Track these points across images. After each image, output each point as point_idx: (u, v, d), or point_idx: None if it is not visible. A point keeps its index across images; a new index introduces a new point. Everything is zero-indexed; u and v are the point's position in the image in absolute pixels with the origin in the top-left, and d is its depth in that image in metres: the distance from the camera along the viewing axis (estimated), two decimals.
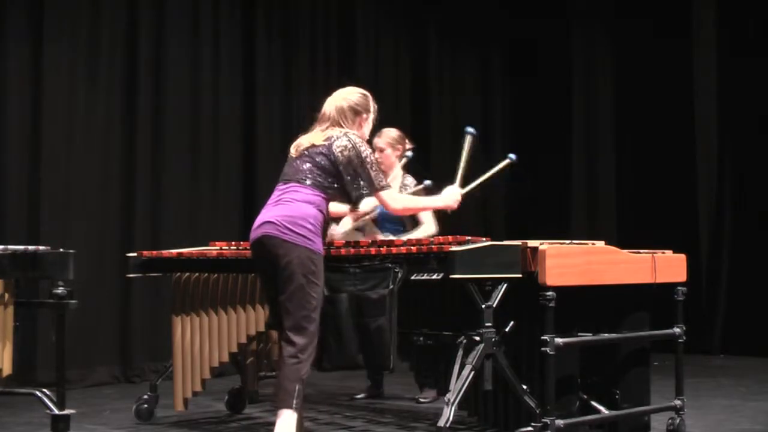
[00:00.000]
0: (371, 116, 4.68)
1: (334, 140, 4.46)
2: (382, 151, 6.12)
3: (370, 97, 4.69)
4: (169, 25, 7.80)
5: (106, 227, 7.41)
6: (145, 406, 5.63)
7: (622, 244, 5.18)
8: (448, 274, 4.34)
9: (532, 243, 4.59)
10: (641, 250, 5.06)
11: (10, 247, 4.92)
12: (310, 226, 4.35)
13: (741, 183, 8.94)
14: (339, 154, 4.43)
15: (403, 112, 9.01)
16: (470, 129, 5.10)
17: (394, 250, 4.52)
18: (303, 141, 4.55)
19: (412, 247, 4.52)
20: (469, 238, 4.56)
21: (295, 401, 4.28)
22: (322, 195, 4.44)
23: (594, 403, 4.96)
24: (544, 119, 9.85)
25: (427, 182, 5.70)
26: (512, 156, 5.33)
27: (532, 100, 9.93)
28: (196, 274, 5.40)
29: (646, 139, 9.39)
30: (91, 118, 7.37)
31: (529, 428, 4.58)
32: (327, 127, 4.54)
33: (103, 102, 7.46)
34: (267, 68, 8.33)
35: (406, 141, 6.24)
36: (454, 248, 4.38)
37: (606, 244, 4.99)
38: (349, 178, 4.44)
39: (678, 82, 9.14)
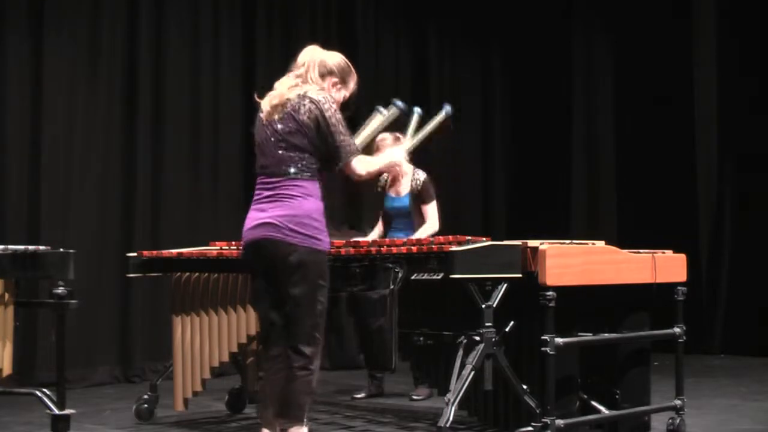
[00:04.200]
0: (344, 92, 4.24)
1: (298, 107, 4.07)
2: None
3: (355, 76, 4.28)
4: (169, 25, 7.80)
5: (106, 227, 7.41)
6: (145, 406, 5.63)
7: (622, 244, 5.18)
8: (448, 274, 4.33)
9: (532, 243, 4.58)
10: (641, 250, 5.06)
11: (10, 247, 4.92)
12: (316, 224, 4.05)
13: (741, 183, 8.94)
14: (306, 119, 4.05)
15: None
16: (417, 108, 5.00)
17: (394, 250, 4.52)
18: (277, 98, 4.15)
19: (412, 247, 4.52)
20: (469, 238, 4.55)
21: (304, 414, 4.03)
22: (315, 181, 4.09)
23: (594, 403, 4.96)
24: (544, 119, 9.85)
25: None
26: (447, 107, 5.08)
27: (532, 100, 9.93)
28: (196, 274, 5.40)
29: (646, 138, 9.38)
30: (91, 118, 7.38)
31: (529, 428, 4.57)
32: (294, 80, 4.16)
33: (103, 102, 7.46)
34: (267, 68, 8.33)
35: (400, 135, 6.32)
36: (454, 248, 4.37)
37: (606, 244, 4.99)
38: (326, 145, 4.06)
39: (678, 82, 9.14)
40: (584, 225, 9.47)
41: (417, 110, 5.04)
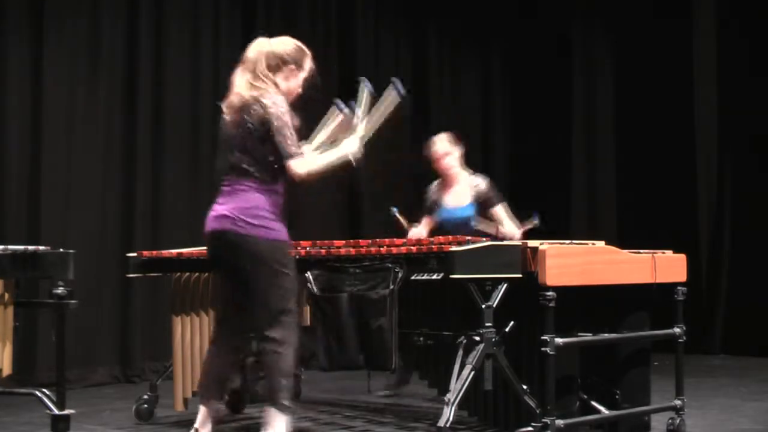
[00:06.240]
0: (303, 74, 4.34)
1: (250, 110, 4.18)
2: (448, 154, 6.26)
3: (309, 56, 4.36)
4: (169, 25, 7.80)
5: (106, 227, 7.41)
6: (145, 406, 5.63)
7: (622, 244, 5.18)
8: (448, 274, 4.33)
9: (532, 243, 4.58)
10: (641, 250, 5.05)
11: (10, 247, 4.92)
12: (267, 214, 4.20)
13: (741, 183, 8.94)
14: (255, 121, 4.18)
15: (403, 112, 9.01)
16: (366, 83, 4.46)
17: (394, 250, 4.53)
18: (233, 100, 4.27)
19: (412, 247, 4.52)
20: (469, 238, 4.56)
21: (281, 395, 4.14)
22: (274, 179, 4.23)
23: (594, 403, 4.96)
24: (544, 119, 9.85)
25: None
26: (397, 83, 4.53)
27: (532, 101, 9.93)
28: (196, 274, 5.40)
29: (647, 138, 9.39)
30: (91, 118, 7.37)
31: (529, 428, 4.57)
32: (243, 75, 4.25)
33: (103, 102, 7.46)
34: None
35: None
36: (454, 248, 4.37)
37: (606, 244, 4.99)
38: (272, 145, 4.18)
39: (679, 81, 9.14)
40: (584, 225, 9.47)
41: (366, 84, 4.49)
